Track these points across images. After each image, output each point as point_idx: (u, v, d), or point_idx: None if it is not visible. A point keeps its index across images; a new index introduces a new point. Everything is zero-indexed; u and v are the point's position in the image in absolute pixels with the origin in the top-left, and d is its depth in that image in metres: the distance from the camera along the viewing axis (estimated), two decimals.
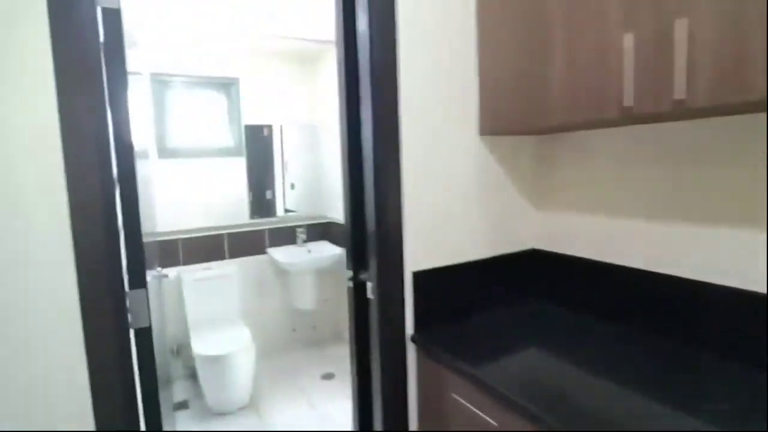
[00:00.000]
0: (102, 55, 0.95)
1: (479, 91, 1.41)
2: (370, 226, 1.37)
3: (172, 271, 2.78)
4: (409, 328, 1.36)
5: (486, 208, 1.49)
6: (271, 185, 3.22)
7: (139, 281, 1.06)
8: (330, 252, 3.06)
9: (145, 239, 1.93)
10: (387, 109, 1.27)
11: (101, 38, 0.96)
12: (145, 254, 1.73)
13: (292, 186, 3.33)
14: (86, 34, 0.91)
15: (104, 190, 0.92)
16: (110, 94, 1.00)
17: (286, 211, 3.28)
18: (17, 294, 0.88)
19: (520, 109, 1.25)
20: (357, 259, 1.51)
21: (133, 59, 2.65)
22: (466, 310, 1.46)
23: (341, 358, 3.08)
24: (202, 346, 2.47)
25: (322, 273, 3.17)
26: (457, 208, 1.42)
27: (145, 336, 1.10)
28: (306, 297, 3.08)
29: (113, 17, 1.02)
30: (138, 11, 2.29)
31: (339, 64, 1.47)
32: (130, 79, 2.60)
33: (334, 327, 3.44)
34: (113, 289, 0.96)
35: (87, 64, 0.91)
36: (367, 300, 1.44)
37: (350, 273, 1.53)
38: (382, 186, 1.29)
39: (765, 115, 0.98)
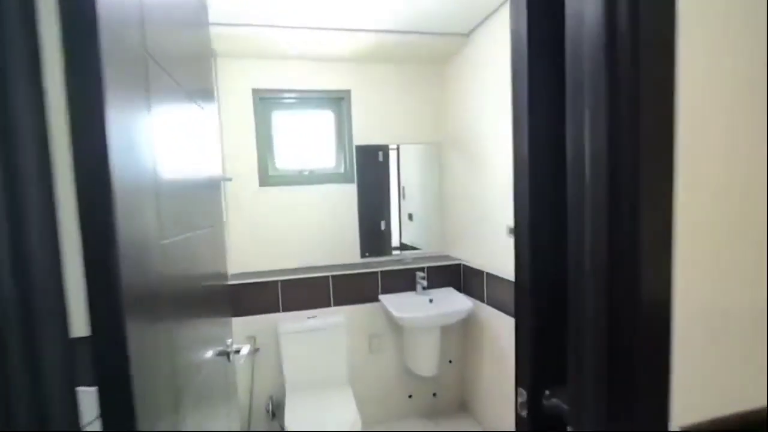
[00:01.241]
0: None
1: None
2: (586, 309, 0.67)
3: (267, 321, 2.36)
4: None
5: None
6: (386, 215, 2.68)
7: None
8: (457, 305, 2.37)
9: (220, 282, 1.46)
10: (654, 100, 0.56)
11: None
12: (221, 301, 1.23)
13: (410, 217, 2.75)
14: None
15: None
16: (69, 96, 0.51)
17: (402, 245, 2.71)
18: None
19: None
20: (540, 369, 0.82)
21: (232, 72, 2.36)
22: None
23: None
24: (296, 418, 1.98)
25: (448, 329, 2.50)
26: None
27: None
28: (425, 360, 2.41)
29: None
30: (237, 19, 1.96)
31: (516, 29, 0.84)
32: (226, 93, 2.24)
33: (459, 396, 2.71)
34: None
35: None
36: None
37: (523, 392, 0.84)
38: (624, 242, 0.59)
39: None
